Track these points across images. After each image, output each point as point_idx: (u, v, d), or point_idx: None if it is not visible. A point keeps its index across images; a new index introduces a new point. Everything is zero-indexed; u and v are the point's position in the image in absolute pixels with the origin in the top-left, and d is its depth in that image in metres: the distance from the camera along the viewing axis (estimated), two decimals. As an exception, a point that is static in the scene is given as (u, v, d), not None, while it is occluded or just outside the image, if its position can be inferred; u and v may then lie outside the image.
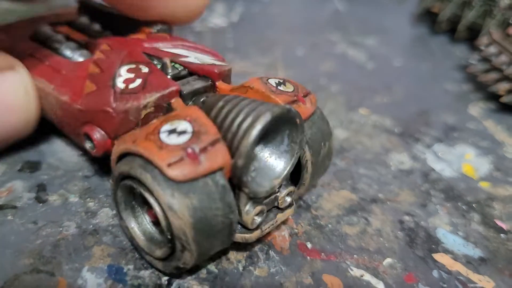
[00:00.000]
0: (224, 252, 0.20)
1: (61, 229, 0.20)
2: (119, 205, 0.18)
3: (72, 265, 0.19)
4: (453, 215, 0.24)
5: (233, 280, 0.19)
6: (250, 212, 0.18)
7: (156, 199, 0.16)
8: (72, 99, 0.20)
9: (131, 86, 0.19)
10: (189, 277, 0.19)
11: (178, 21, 0.26)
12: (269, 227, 0.19)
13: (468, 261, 0.21)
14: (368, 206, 0.23)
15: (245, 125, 0.17)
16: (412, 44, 0.47)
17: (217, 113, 0.18)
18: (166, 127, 0.17)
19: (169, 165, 0.16)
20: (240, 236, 0.18)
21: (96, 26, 0.27)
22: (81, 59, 0.23)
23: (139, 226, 0.19)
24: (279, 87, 0.20)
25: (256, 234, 0.19)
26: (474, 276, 0.20)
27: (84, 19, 0.27)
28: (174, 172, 0.16)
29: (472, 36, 0.44)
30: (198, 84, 0.21)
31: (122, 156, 0.18)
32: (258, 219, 0.19)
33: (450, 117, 0.33)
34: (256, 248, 0.20)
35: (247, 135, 0.16)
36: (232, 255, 0.20)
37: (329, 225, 0.22)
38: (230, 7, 0.50)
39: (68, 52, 0.23)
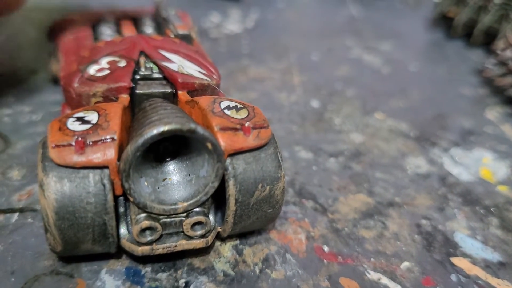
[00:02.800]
0: (240, 255, 0.20)
1: (79, 231, 0.20)
2: None
3: (90, 267, 0.19)
4: (471, 219, 0.23)
5: (250, 282, 0.19)
6: (138, 223, 0.17)
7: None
8: (62, 76, 0.21)
9: (98, 74, 0.20)
10: (206, 280, 0.19)
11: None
12: (163, 249, 0.18)
13: (487, 265, 0.21)
14: (385, 209, 0.23)
15: (139, 131, 0.16)
16: (427, 49, 0.47)
17: (140, 115, 0.18)
18: (79, 114, 0.17)
19: (54, 146, 0.16)
20: (127, 244, 0.18)
21: (149, 28, 0.27)
22: None
23: None
24: (225, 110, 0.19)
25: (143, 249, 0.18)
26: (493, 281, 0.20)
27: (146, 20, 0.28)
28: (54, 154, 0.16)
29: (488, 40, 0.44)
30: (156, 88, 0.20)
31: None
32: (148, 235, 0.18)
33: (466, 121, 0.32)
34: (273, 251, 0.20)
35: (133, 142, 0.16)
36: (249, 258, 0.20)
37: (346, 229, 0.22)
38: (245, 13, 0.50)
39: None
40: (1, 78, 0.31)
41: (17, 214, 0.21)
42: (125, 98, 0.20)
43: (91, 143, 0.16)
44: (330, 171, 0.26)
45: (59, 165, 0.16)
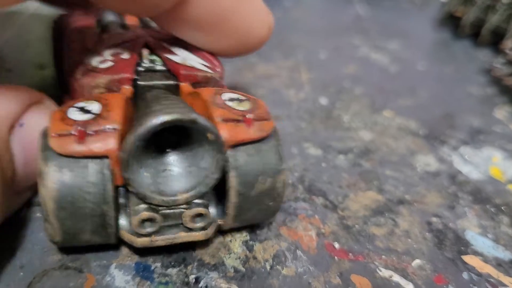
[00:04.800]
0: (250, 251, 0.20)
1: (88, 226, 0.20)
2: None
3: (100, 262, 0.19)
4: (482, 218, 0.23)
5: (261, 279, 0.19)
6: (137, 214, 0.17)
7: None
8: (66, 69, 0.21)
9: (101, 66, 0.20)
10: (216, 276, 0.19)
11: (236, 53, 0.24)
12: (163, 241, 0.18)
13: (499, 264, 0.21)
14: (395, 207, 0.23)
15: (141, 121, 0.16)
16: (435, 48, 0.47)
17: (142, 105, 0.18)
18: (81, 104, 0.17)
19: (55, 136, 0.16)
20: (127, 236, 0.18)
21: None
22: None
23: None
24: (227, 102, 0.19)
25: (142, 240, 0.17)
26: (505, 279, 0.20)
27: None
28: (55, 143, 0.16)
29: (496, 40, 0.44)
30: (159, 80, 0.20)
31: None
32: (148, 226, 0.17)
33: (475, 120, 0.32)
34: (283, 247, 0.20)
35: (134, 131, 0.16)
36: (259, 254, 0.20)
37: (356, 226, 0.22)
38: (251, 11, 0.50)
39: None
40: (8, 73, 0.31)
41: (24, 208, 0.21)
42: (127, 89, 0.20)
43: (92, 132, 0.16)
44: (340, 168, 0.26)
45: (60, 155, 0.16)
